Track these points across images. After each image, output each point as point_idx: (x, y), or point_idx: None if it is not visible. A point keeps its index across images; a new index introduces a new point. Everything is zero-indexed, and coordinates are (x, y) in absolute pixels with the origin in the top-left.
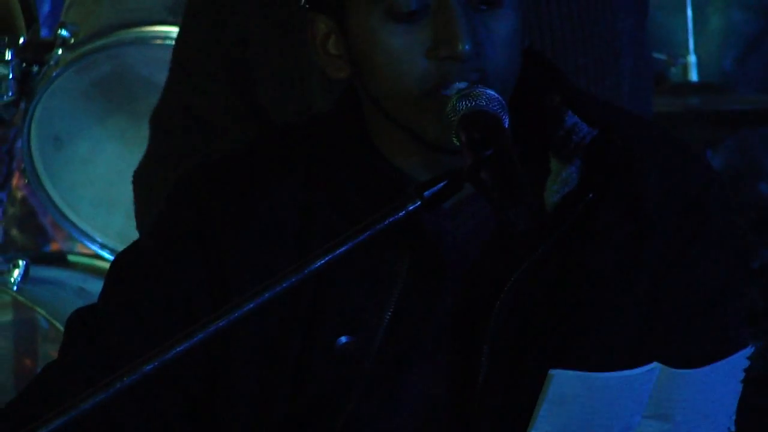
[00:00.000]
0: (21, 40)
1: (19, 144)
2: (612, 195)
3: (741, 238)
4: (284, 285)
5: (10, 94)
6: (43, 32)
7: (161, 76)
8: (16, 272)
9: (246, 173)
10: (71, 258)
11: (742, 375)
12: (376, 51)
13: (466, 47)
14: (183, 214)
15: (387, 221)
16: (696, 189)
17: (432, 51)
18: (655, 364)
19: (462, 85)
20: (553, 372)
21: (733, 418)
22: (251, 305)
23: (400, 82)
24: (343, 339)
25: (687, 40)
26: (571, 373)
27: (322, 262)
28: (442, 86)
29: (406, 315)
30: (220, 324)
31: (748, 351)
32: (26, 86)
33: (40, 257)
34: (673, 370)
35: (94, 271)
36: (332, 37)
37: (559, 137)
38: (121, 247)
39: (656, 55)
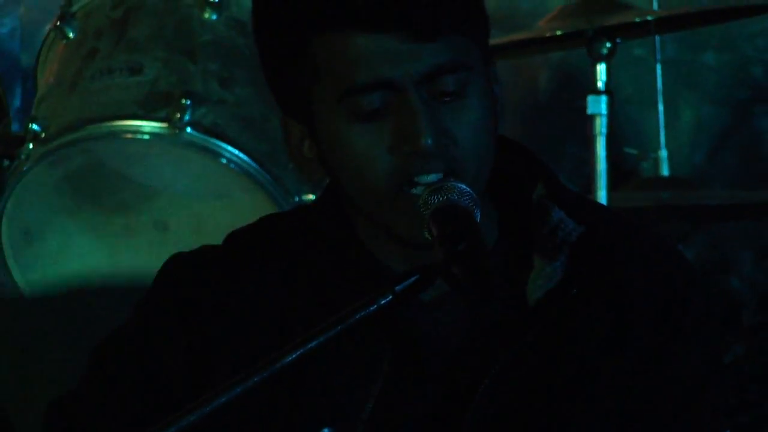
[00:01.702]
0: None
1: None
2: (595, 291)
3: (718, 334)
4: (263, 375)
5: None
6: (14, 126)
7: (132, 170)
8: None
9: (230, 261)
10: None
11: None
12: (343, 152)
13: (428, 141)
14: (166, 300)
15: (359, 315)
16: (677, 286)
17: (395, 147)
18: None
19: (431, 178)
20: None
21: None
22: (231, 394)
23: (368, 180)
24: (325, 431)
25: (658, 135)
26: None
27: (298, 353)
28: (408, 182)
29: (388, 406)
30: (202, 412)
31: None
32: None
33: None
34: None
35: None
36: (306, 141)
37: (544, 234)
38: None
39: (628, 149)
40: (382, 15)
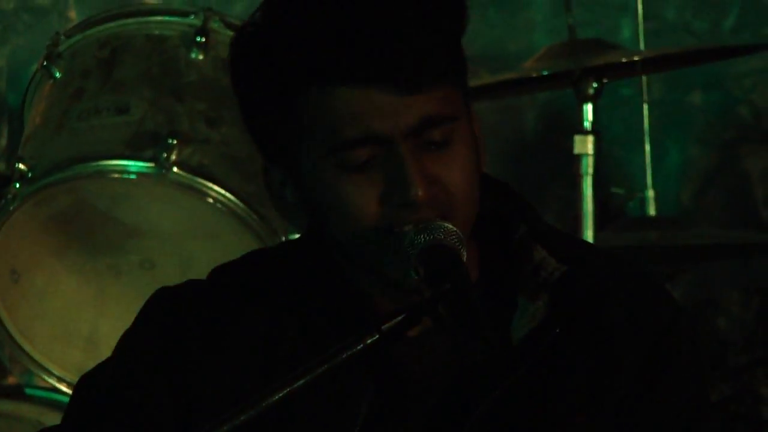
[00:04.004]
0: None
1: None
2: (579, 329)
3: (705, 371)
4: (249, 413)
5: None
6: (0, 166)
7: (119, 211)
8: None
9: (215, 296)
10: (28, 391)
11: None
12: (331, 201)
13: (418, 192)
14: (151, 334)
15: (345, 355)
16: (663, 323)
17: (386, 199)
18: None
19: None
20: None
21: None
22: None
23: (356, 228)
24: None
25: (645, 175)
26: None
27: (284, 393)
28: (397, 227)
29: None
30: None
31: None
32: None
33: None
34: None
35: (51, 405)
36: (289, 186)
37: (527, 273)
38: None
39: (614, 189)
40: (368, 69)
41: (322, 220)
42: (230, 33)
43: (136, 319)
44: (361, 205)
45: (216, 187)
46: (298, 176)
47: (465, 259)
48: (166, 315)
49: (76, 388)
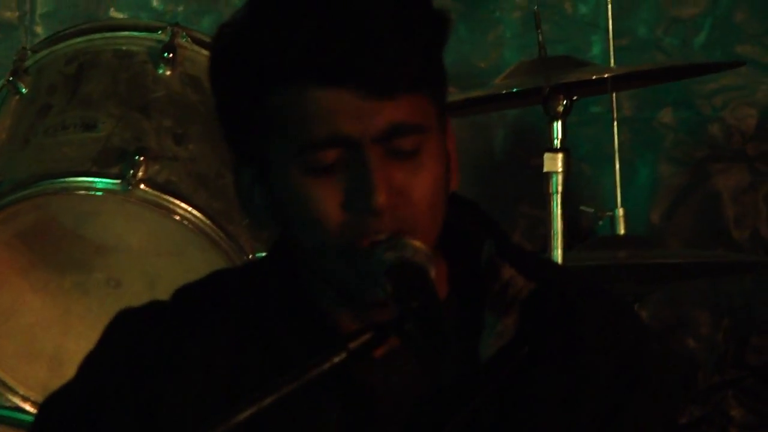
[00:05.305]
0: None
1: None
2: (548, 348)
3: (673, 394)
4: None
5: None
6: None
7: (85, 228)
8: None
9: (179, 317)
10: None
11: None
12: (296, 204)
13: (380, 199)
14: (114, 356)
15: (311, 374)
16: (630, 344)
17: (348, 203)
18: None
19: (381, 236)
20: None
21: None
22: None
23: (319, 233)
24: None
25: (615, 193)
26: None
27: (250, 412)
28: (361, 239)
29: None
30: None
31: None
32: None
33: None
34: None
35: (15, 425)
36: (257, 187)
37: (495, 291)
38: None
39: (584, 208)
40: (341, 70)
41: (288, 225)
42: (198, 49)
43: (99, 341)
44: (323, 210)
45: (183, 204)
46: (266, 177)
47: (433, 277)
48: (129, 337)
49: (40, 411)
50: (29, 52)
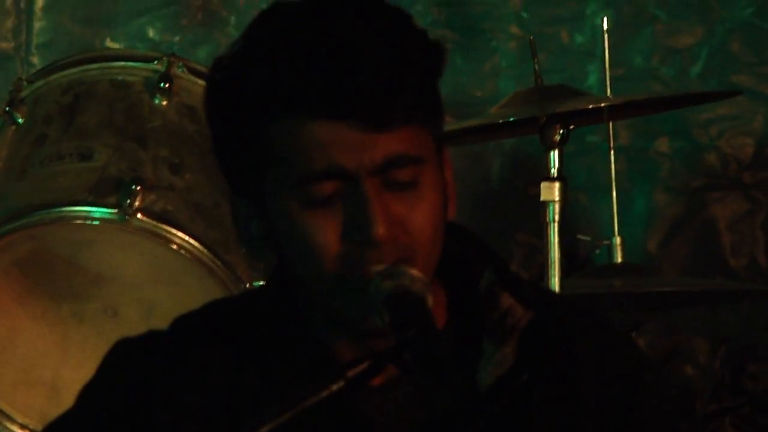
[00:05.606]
0: None
1: None
2: (547, 377)
3: (671, 421)
4: None
5: None
6: None
7: (82, 257)
8: None
9: (176, 346)
10: None
11: None
12: (294, 236)
13: (379, 231)
14: (112, 385)
15: (309, 402)
16: (627, 373)
17: (347, 235)
18: None
19: (381, 267)
20: None
21: None
22: None
23: (318, 265)
24: None
25: (611, 222)
26: None
27: None
28: (359, 269)
29: None
30: None
31: None
32: None
33: None
34: None
35: None
36: (255, 220)
37: (494, 320)
38: (41, 428)
39: (581, 237)
40: (338, 103)
41: (286, 256)
42: (194, 78)
43: (97, 371)
44: (322, 242)
45: (180, 234)
46: (263, 210)
47: (431, 306)
48: (127, 367)
49: None
50: (25, 82)
